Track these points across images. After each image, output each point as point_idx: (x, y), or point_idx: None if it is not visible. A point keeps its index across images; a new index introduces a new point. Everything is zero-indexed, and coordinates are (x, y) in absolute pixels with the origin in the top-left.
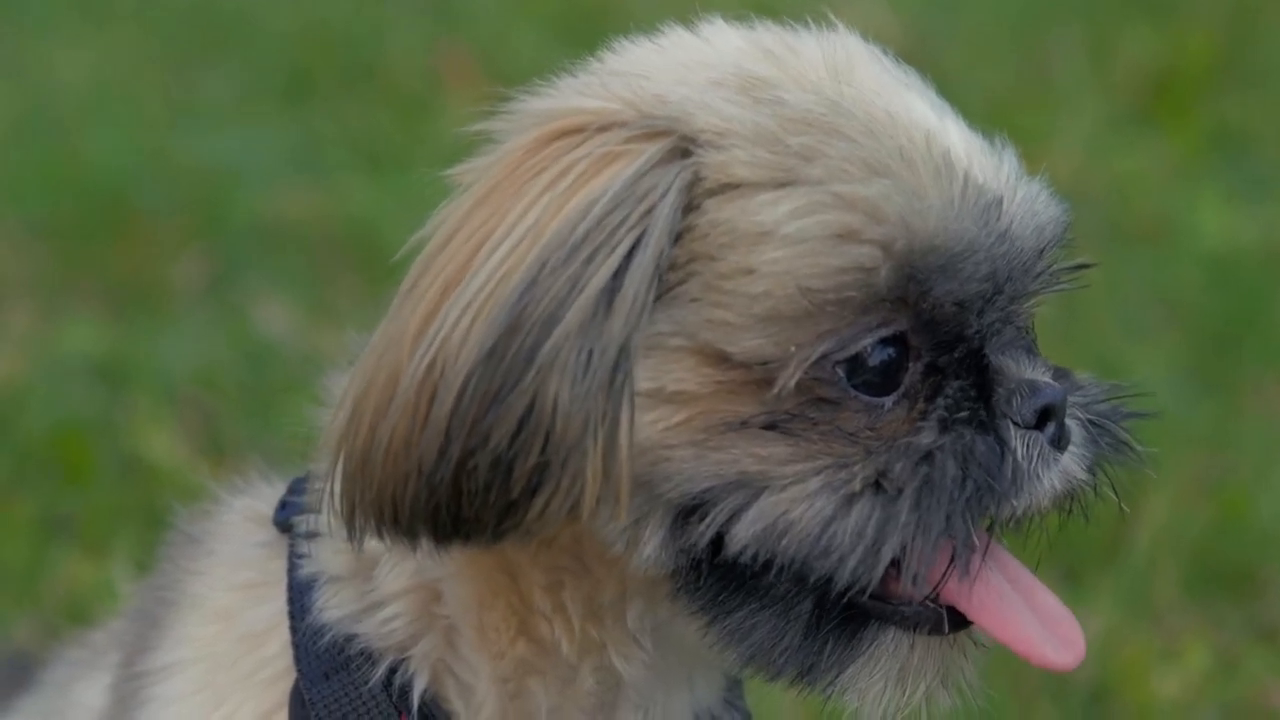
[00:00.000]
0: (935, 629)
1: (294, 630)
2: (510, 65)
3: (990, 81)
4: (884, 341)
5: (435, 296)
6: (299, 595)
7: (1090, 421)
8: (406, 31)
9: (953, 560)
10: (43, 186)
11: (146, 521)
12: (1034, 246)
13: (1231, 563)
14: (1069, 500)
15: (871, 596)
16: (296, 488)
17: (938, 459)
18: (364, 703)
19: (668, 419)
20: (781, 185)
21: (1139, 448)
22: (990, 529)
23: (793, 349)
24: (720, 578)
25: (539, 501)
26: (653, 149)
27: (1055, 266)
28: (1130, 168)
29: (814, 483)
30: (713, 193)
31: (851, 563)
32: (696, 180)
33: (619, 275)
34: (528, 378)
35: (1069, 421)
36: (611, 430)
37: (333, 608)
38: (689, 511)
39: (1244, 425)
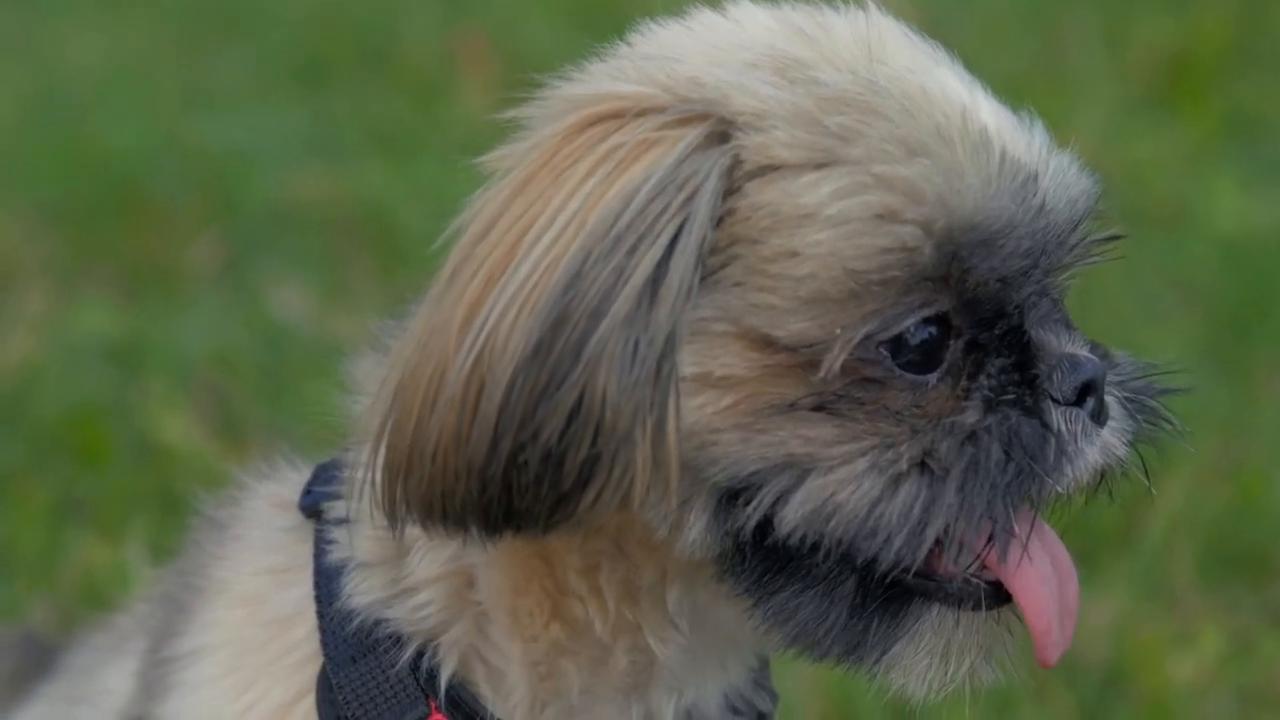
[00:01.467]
0: (977, 605)
1: (321, 615)
2: (525, 50)
3: (1005, 66)
4: (929, 321)
5: (479, 288)
6: (327, 581)
7: (1126, 398)
8: (421, 16)
9: (990, 540)
10: (57, 170)
11: (161, 505)
12: (1068, 219)
13: (1246, 546)
14: (1101, 478)
15: (915, 574)
16: (321, 474)
17: (983, 440)
18: (390, 686)
19: (715, 404)
20: (821, 166)
21: (1177, 423)
22: (1036, 507)
23: (838, 331)
24: (765, 560)
25: (590, 493)
26: (692, 134)
27: (1088, 238)
28: (1145, 152)
29: (861, 464)
30: (753, 175)
31: (898, 543)
32: (736, 163)
33: (663, 264)
34: (576, 371)
35: (1107, 396)
36: (660, 419)
37: (362, 593)
38: (735, 495)
39: (1259, 409)
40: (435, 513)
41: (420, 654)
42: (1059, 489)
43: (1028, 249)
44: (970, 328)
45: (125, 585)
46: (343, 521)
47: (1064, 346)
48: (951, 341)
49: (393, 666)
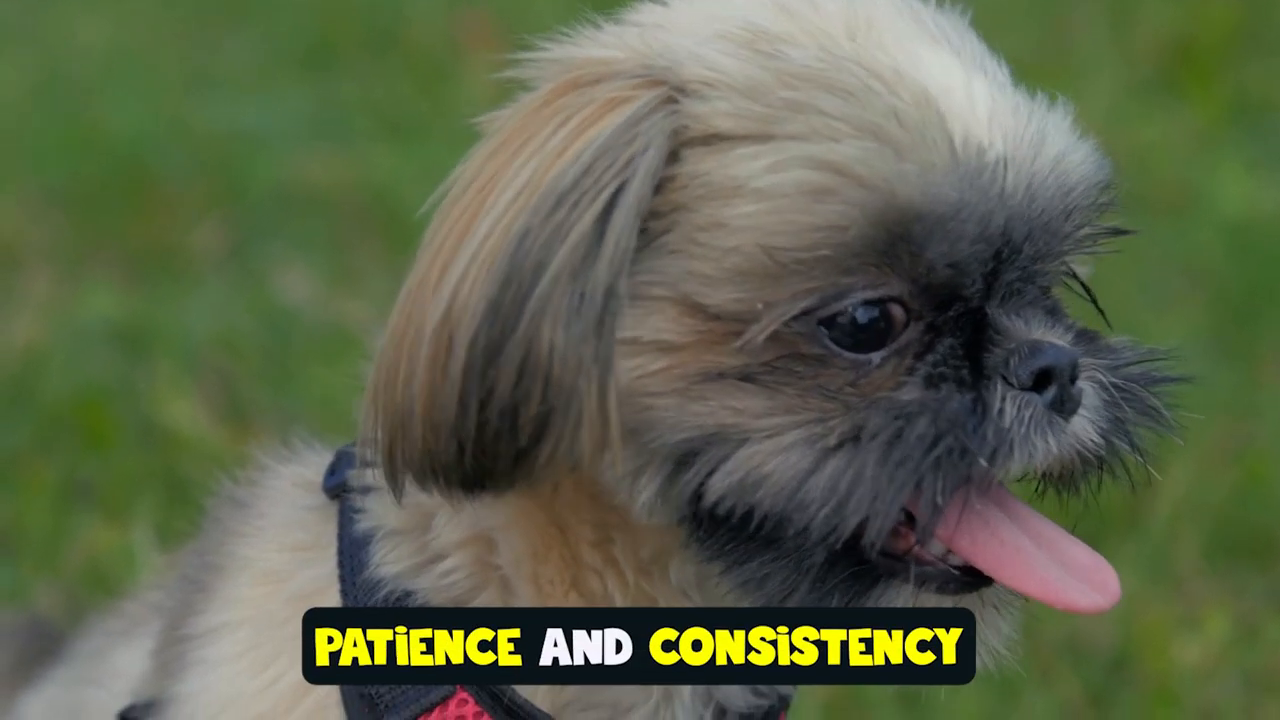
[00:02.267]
0: (943, 588)
1: (344, 593)
2: (530, 32)
3: (1011, 50)
4: (871, 303)
5: (449, 249)
6: (354, 550)
7: (1115, 385)
8: None
9: (912, 521)
10: (63, 153)
11: (167, 488)
12: (1059, 207)
13: (1252, 531)
14: (1092, 465)
15: (883, 553)
16: (344, 455)
17: (913, 417)
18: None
19: (647, 367)
20: (759, 139)
21: (1167, 414)
22: (984, 485)
23: (760, 305)
24: (720, 529)
25: (546, 448)
26: (646, 97)
27: (1086, 227)
28: (1151, 137)
29: (790, 436)
30: (695, 143)
31: (823, 516)
32: (681, 130)
33: (601, 221)
34: (522, 326)
35: (1083, 384)
36: (603, 375)
37: (390, 562)
38: (683, 462)
39: (1265, 393)
40: (425, 472)
41: None
42: (1006, 469)
43: (989, 235)
44: (930, 311)
45: (131, 569)
46: (369, 490)
47: (1031, 333)
48: (912, 323)
49: None
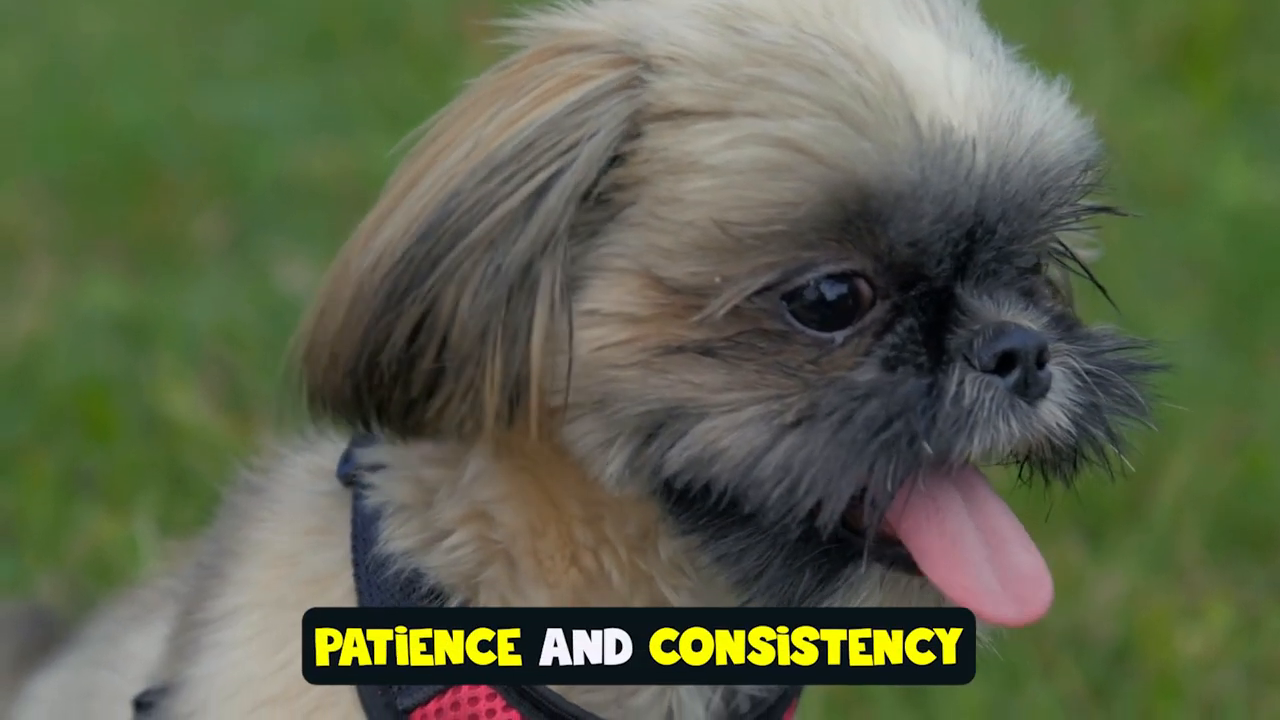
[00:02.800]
0: (906, 567)
1: (357, 576)
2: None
3: (1013, 41)
4: (835, 278)
5: (394, 199)
6: (364, 526)
7: (1090, 372)
8: None
9: (862, 499)
10: (65, 143)
11: (169, 478)
12: (1034, 187)
13: (1254, 521)
14: (1068, 453)
15: (854, 531)
16: (359, 443)
17: (866, 398)
18: None
19: (609, 338)
20: (719, 115)
21: (1144, 402)
22: (950, 468)
23: (717, 280)
24: (690, 503)
25: (436, 403)
26: (607, 77)
27: (1065, 207)
28: (1153, 128)
29: (748, 412)
30: (656, 118)
31: (776, 494)
32: (645, 106)
33: (535, 199)
34: (427, 284)
35: (1054, 369)
36: (511, 347)
37: (399, 538)
38: (650, 435)
39: (1267, 384)
40: (325, 404)
41: None
42: (956, 454)
43: (956, 215)
44: (896, 290)
45: (133, 559)
46: (378, 468)
47: (1001, 314)
48: (879, 302)
49: None
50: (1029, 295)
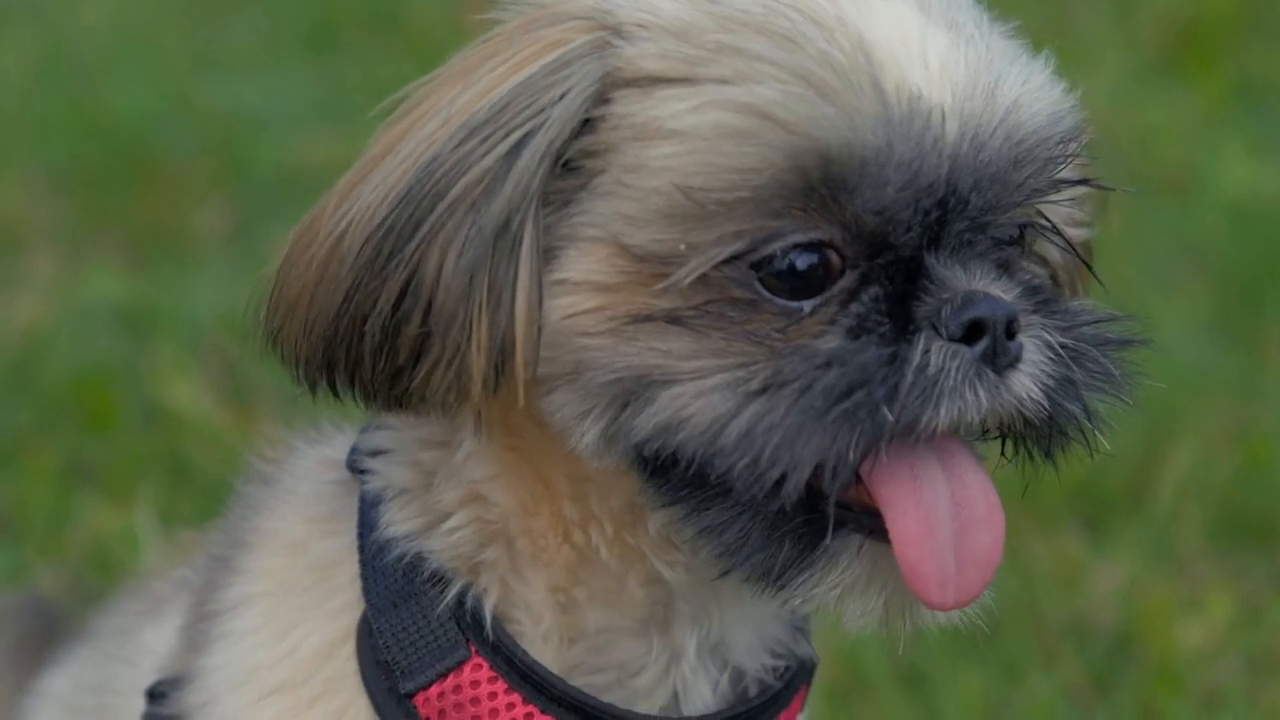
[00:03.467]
0: (885, 538)
1: (363, 563)
2: None
3: (1014, 32)
4: (804, 247)
5: (369, 165)
6: (367, 513)
7: (1065, 346)
8: None
9: (820, 469)
10: (66, 133)
11: (170, 470)
12: (1008, 158)
13: (1256, 512)
14: (1042, 427)
15: (837, 503)
16: (364, 431)
17: (828, 366)
18: (431, 630)
19: (579, 306)
20: (685, 82)
21: (1119, 376)
22: (925, 439)
23: (682, 247)
24: (665, 474)
25: (422, 370)
26: (579, 40)
27: (1041, 179)
28: (1155, 119)
29: (714, 380)
30: (625, 84)
31: (742, 462)
32: (614, 72)
33: (509, 159)
34: (410, 248)
35: (1026, 341)
36: (496, 309)
37: (400, 522)
38: (623, 404)
39: (1269, 375)
40: (292, 365)
41: (463, 598)
42: (931, 421)
43: (923, 184)
44: (864, 259)
45: (134, 550)
46: (378, 452)
47: (971, 284)
48: (848, 271)
49: (434, 610)
50: (1004, 267)
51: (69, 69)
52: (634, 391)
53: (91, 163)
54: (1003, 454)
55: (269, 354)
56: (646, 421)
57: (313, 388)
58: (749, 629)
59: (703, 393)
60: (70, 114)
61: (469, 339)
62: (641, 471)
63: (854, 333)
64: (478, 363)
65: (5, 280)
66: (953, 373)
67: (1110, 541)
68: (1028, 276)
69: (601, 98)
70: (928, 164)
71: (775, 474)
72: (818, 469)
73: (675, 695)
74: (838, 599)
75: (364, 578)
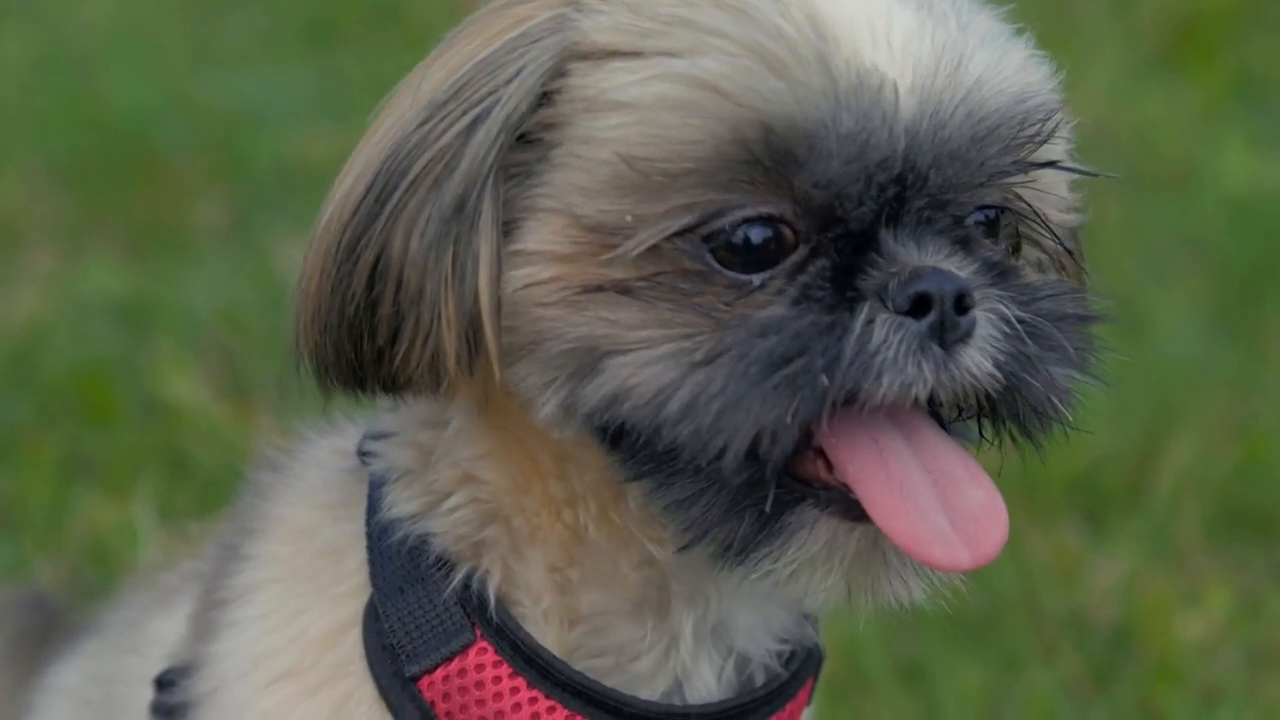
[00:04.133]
0: (846, 514)
1: (370, 549)
2: None
3: (1012, 26)
4: (753, 221)
5: (357, 151)
6: (373, 495)
7: (1022, 320)
8: None
9: (758, 439)
10: (64, 127)
11: (169, 463)
12: (968, 135)
13: (1255, 506)
14: (1001, 403)
15: (792, 477)
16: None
17: (769, 336)
18: (437, 615)
19: (536, 276)
20: (636, 54)
21: (1075, 351)
22: (881, 412)
23: (629, 218)
24: (626, 447)
25: (399, 349)
26: (541, 16)
27: (1004, 158)
28: (1154, 113)
29: (660, 350)
30: (581, 57)
31: (684, 432)
32: (573, 45)
33: (467, 134)
34: (376, 228)
35: (980, 315)
36: (462, 285)
37: (402, 503)
38: (580, 375)
39: (1268, 369)
40: (323, 371)
41: (469, 582)
42: (876, 392)
43: (876, 159)
44: (815, 234)
45: (133, 544)
46: (382, 436)
47: (923, 259)
48: (800, 245)
49: (440, 595)
50: (963, 243)
51: (68, 64)
52: (586, 362)
53: (91, 157)
54: (981, 435)
55: (299, 361)
56: (595, 392)
57: (344, 388)
58: (750, 612)
59: (648, 363)
60: (69, 109)
61: (439, 315)
62: (601, 443)
63: (797, 303)
64: (449, 339)
65: (4, 274)
66: (895, 344)
67: (1110, 535)
68: (988, 253)
69: (559, 71)
70: (878, 138)
71: (719, 443)
72: (759, 438)
73: (677, 681)
74: (795, 574)
75: (371, 562)
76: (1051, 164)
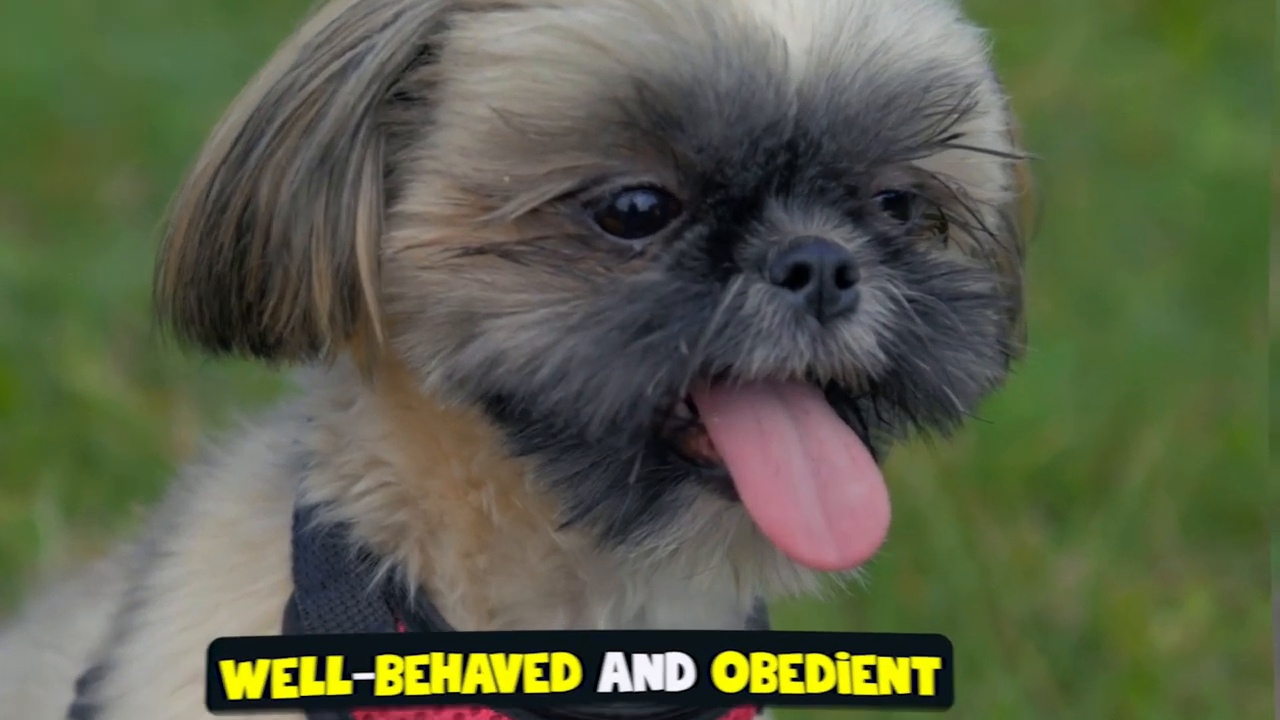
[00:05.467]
0: (724, 493)
1: (295, 542)
2: None
3: None
4: (636, 188)
5: (234, 100)
6: (298, 485)
7: (912, 299)
8: None
9: (619, 407)
10: None
11: (75, 457)
12: (867, 102)
13: (1235, 502)
14: (889, 381)
15: (677, 453)
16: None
17: (637, 302)
18: (359, 610)
19: (418, 238)
20: (516, 7)
21: (964, 331)
22: (737, 380)
23: (506, 179)
24: (511, 418)
25: (268, 304)
26: None
27: (909, 129)
28: (1127, 83)
29: (536, 314)
30: (463, 8)
31: (556, 398)
32: (452, 1)
33: (336, 80)
34: (244, 174)
35: (863, 289)
36: (334, 238)
37: (316, 488)
38: (462, 341)
39: (1248, 355)
40: (184, 327)
41: (392, 575)
42: (747, 364)
43: (762, 122)
44: (699, 199)
45: (34, 544)
46: (301, 418)
47: (807, 229)
48: (683, 211)
49: (363, 589)
50: (855, 216)
51: None
52: (466, 327)
53: None
54: (879, 418)
55: (159, 316)
56: (472, 356)
57: (206, 345)
58: (673, 607)
59: (524, 326)
60: None
61: (309, 270)
62: (485, 414)
63: (671, 269)
64: (321, 296)
65: None
66: (768, 316)
67: (1074, 532)
68: (884, 228)
69: (440, 23)
70: (763, 99)
71: (591, 411)
72: (620, 406)
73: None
74: (676, 553)
75: (295, 557)
76: (953, 139)
